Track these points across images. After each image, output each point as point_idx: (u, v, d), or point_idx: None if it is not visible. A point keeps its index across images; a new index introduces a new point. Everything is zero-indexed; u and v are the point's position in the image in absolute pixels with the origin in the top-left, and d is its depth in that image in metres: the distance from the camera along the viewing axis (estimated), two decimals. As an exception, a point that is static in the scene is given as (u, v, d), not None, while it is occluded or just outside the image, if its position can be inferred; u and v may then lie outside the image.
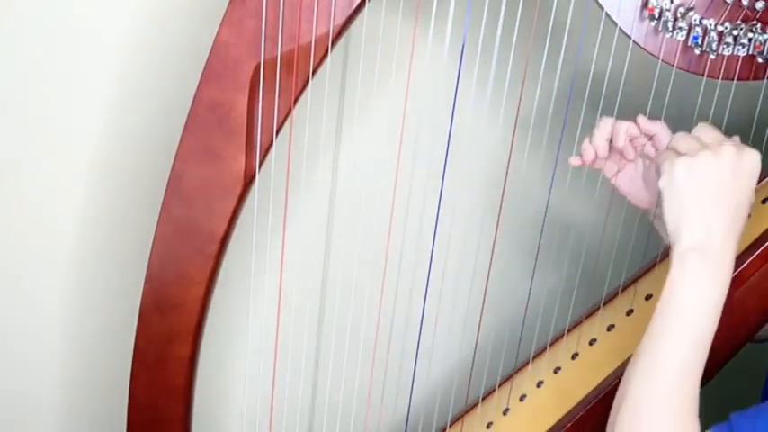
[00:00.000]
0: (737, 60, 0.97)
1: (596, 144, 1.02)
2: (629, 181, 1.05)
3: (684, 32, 0.96)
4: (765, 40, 0.96)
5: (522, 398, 1.12)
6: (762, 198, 1.10)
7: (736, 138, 0.88)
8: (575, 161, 1.02)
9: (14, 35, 1.24)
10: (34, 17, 1.23)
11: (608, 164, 1.04)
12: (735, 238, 0.84)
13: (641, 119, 1.01)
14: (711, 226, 0.83)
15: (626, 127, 1.01)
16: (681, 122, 1.05)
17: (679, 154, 0.84)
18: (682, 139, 0.87)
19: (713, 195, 0.83)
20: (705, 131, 0.87)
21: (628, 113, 1.06)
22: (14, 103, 1.27)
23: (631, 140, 1.02)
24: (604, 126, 1.02)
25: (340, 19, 0.95)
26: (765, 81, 0.99)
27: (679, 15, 0.96)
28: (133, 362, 1.08)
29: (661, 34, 0.97)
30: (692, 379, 0.84)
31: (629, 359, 1.03)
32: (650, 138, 1.02)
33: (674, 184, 0.83)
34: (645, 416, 0.83)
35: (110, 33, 1.25)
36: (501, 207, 1.06)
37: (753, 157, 0.85)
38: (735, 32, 0.95)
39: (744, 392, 1.18)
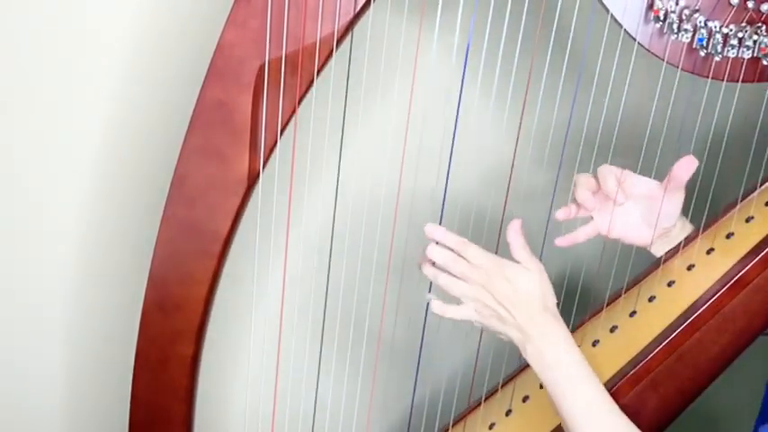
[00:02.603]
0: (742, 62, 0.97)
1: (582, 198, 1.07)
2: (622, 226, 1.10)
3: (689, 34, 0.96)
4: (771, 43, 0.96)
5: (524, 399, 1.12)
6: (765, 201, 1.10)
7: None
8: (560, 215, 1.08)
9: (16, 35, 1.24)
10: (35, 17, 1.23)
11: (599, 217, 1.10)
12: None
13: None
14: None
15: (615, 171, 1.06)
16: (685, 125, 1.05)
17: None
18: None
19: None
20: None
21: (632, 116, 1.06)
22: (16, 103, 1.27)
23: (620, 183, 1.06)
24: (583, 180, 1.07)
25: (345, 19, 0.95)
26: (770, 83, 0.99)
27: (684, 17, 0.95)
28: (135, 362, 1.07)
29: (666, 36, 0.97)
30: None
31: (630, 361, 1.03)
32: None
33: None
34: None
35: (111, 33, 1.25)
36: (504, 208, 1.06)
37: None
38: (740, 34, 0.95)
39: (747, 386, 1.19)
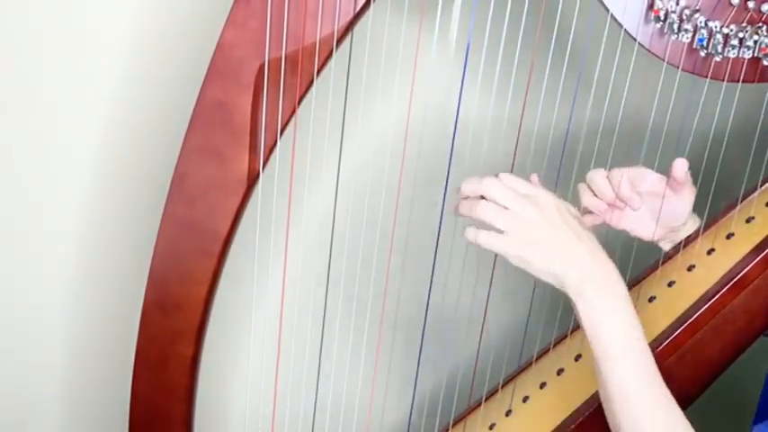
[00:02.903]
0: (743, 63, 0.97)
1: (602, 195, 1.05)
2: (629, 219, 1.08)
3: (690, 34, 0.96)
4: (771, 43, 0.96)
5: (524, 399, 1.12)
6: (766, 201, 1.10)
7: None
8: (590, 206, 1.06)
9: (16, 35, 1.24)
10: (35, 17, 1.23)
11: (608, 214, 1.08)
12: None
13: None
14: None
15: (627, 176, 1.04)
16: (685, 125, 1.05)
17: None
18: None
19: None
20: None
21: (632, 116, 1.06)
22: (16, 103, 1.27)
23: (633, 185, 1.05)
24: (601, 185, 1.05)
25: (345, 20, 0.95)
26: (771, 83, 0.99)
27: (685, 17, 0.95)
28: (135, 361, 1.07)
29: (666, 36, 0.97)
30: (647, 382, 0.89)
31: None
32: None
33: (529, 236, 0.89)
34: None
35: (111, 33, 1.25)
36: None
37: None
38: (740, 35, 0.95)
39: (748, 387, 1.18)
